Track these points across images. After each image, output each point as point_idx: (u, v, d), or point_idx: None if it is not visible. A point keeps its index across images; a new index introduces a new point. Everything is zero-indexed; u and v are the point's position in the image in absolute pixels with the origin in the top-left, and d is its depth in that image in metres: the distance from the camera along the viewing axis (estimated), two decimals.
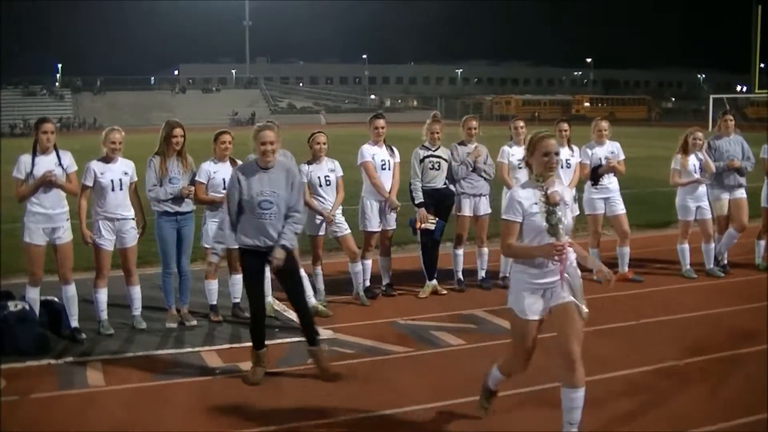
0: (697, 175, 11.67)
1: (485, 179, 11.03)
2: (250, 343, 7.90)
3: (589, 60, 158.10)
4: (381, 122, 10.85)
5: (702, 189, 11.81)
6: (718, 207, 12.22)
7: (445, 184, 10.83)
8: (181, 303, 9.83)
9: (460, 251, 11.13)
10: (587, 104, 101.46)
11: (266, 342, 7.93)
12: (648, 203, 18.38)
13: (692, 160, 11.70)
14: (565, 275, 5.90)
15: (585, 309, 5.93)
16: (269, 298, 9.98)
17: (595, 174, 11.48)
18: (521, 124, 11.50)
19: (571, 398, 5.91)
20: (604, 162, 11.50)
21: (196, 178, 9.68)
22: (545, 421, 6.48)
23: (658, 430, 6.43)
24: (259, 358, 7.83)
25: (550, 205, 5.88)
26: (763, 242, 12.46)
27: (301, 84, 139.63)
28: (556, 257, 5.85)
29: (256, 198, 7.56)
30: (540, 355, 6.28)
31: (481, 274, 11.31)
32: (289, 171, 7.86)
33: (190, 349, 8.72)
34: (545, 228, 5.88)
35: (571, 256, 5.98)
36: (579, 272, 6.06)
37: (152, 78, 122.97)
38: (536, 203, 5.92)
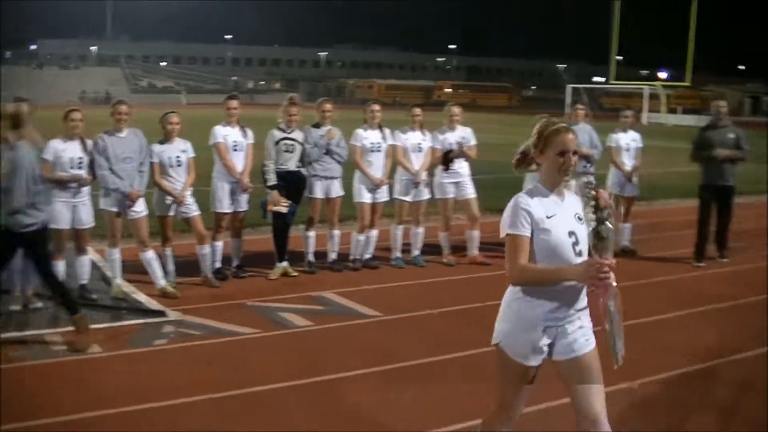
0: None
1: (338, 162, 11.05)
2: (98, 325, 7.81)
3: (453, 46, 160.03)
4: (234, 103, 10.76)
5: None
6: None
7: (298, 167, 10.80)
8: (27, 285, 9.52)
9: (312, 233, 11.13)
10: (449, 90, 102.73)
11: (114, 324, 7.87)
12: (502, 188, 18.62)
13: None
14: (609, 305, 4.35)
15: (621, 352, 4.40)
16: (118, 280, 9.81)
17: (446, 158, 11.63)
18: (377, 107, 11.54)
19: None
20: (455, 147, 11.66)
21: (43, 156, 9.39)
22: None
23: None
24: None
25: (601, 210, 4.34)
26: (628, 225, 12.94)
27: (164, 63, 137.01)
28: (597, 283, 4.31)
29: None
30: None
31: (332, 256, 11.34)
32: None
33: (34, 332, 8.45)
34: (592, 243, 4.34)
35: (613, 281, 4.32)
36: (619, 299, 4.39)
37: (8, 53, 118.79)
38: (551, 215, 4.48)
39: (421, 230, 11.78)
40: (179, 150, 10.17)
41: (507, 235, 4.50)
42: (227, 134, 10.64)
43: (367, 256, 11.50)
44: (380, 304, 9.63)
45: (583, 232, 4.45)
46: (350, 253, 11.42)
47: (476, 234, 11.93)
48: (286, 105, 10.95)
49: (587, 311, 4.61)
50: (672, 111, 77.90)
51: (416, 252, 11.78)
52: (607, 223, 4.30)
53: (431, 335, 8.58)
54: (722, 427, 6.47)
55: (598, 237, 4.28)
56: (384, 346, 8.17)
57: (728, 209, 12.23)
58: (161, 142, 10.18)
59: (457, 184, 11.78)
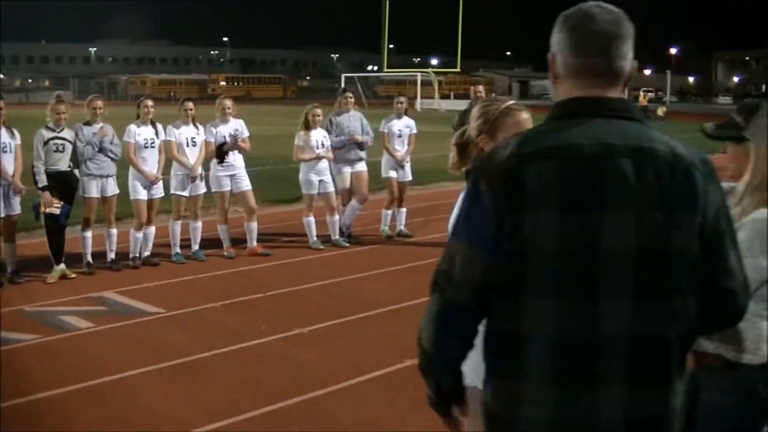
0: (319, 151, 12.18)
1: (112, 159, 10.87)
2: None
3: (225, 39, 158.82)
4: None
5: (324, 163, 12.33)
6: (341, 180, 12.82)
7: (69, 166, 10.56)
8: None
9: (89, 233, 10.90)
10: (223, 83, 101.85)
11: None
12: (281, 179, 18.85)
13: (315, 136, 12.20)
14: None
15: None
16: None
17: (220, 151, 11.66)
18: (150, 103, 11.40)
19: None
20: (228, 140, 11.71)
21: None
22: None
23: (291, 391, 6.70)
24: None
25: None
26: (390, 212, 13.27)
27: None
28: None
29: None
30: None
31: (111, 255, 11.15)
32: None
33: None
34: None
35: None
36: None
37: None
38: None
39: (199, 224, 11.76)
40: None
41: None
42: None
43: (147, 253, 11.38)
44: (162, 301, 9.58)
45: None
46: (129, 251, 11.27)
47: (254, 225, 12.03)
48: (53, 103, 10.68)
49: None
50: (445, 97, 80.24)
51: (196, 246, 11.75)
52: None
53: (215, 329, 8.64)
54: None
55: None
56: (168, 342, 8.17)
57: None
58: None
59: (232, 176, 11.82)
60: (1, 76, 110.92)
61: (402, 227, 13.36)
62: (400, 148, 13.24)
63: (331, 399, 6.69)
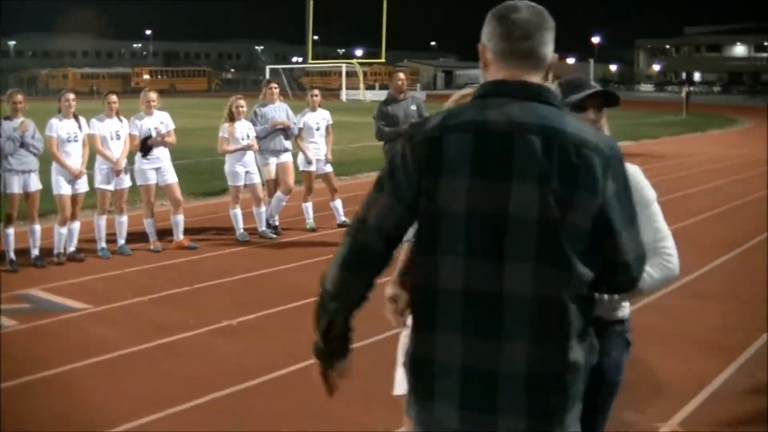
0: (244, 142, 12.15)
1: (34, 154, 10.72)
2: None
3: (148, 32, 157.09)
4: None
5: (250, 155, 12.31)
6: (266, 171, 12.82)
7: None
8: None
9: (11, 230, 10.72)
10: (147, 77, 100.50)
11: None
12: (207, 172, 18.77)
13: (240, 127, 12.17)
14: None
15: None
16: None
17: (145, 145, 11.57)
18: (72, 96, 11.24)
19: None
20: (153, 133, 11.62)
21: None
22: None
23: (220, 384, 6.70)
24: None
25: None
26: (309, 204, 13.25)
27: None
28: None
29: None
30: None
31: (35, 252, 10.99)
32: None
33: None
34: None
35: None
36: None
37: None
38: None
39: (124, 218, 11.65)
40: None
41: None
42: None
43: (71, 248, 11.25)
44: (89, 296, 9.49)
45: None
46: (53, 247, 11.13)
47: (180, 218, 11.96)
48: None
49: None
50: (370, 87, 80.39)
51: (121, 241, 11.64)
52: None
53: (143, 323, 8.59)
54: None
55: None
56: (95, 337, 8.11)
57: None
58: None
59: (157, 169, 11.71)
60: None
61: (343, 218, 13.28)
62: (320, 141, 13.25)
63: (260, 390, 6.71)
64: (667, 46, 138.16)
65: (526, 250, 2.56)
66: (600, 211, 2.57)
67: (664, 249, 3.40)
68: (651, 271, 3.27)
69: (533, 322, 2.58)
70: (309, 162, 13.06)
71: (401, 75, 12.74)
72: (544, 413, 2.63)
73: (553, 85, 3.16)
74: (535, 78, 2.69)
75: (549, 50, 2.72)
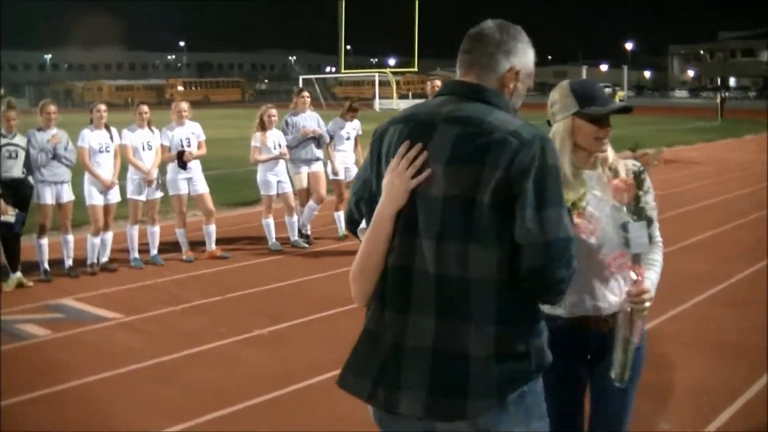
0: (276, 151, 12.16)
1: (66, 165, 10.80)
2: None
3: (182, 44, 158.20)
4: None
5: (282, 164, 12.34)
6: (298, 181, 12.82)
7: (23, 173, 10.47)
8: None
9: (44, 241, 10.80)
10: (181, 88, 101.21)
11: None
12: (240, 182, 18.82)
13: (272, 137, 12.19)
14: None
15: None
16: None
17: (180, 160, 11.57)
18: (103, 107, 11.33)
19: None
20: (184, 143, 11.66)
21: None
22: None
23: (251, 392, 6.69)
24: None
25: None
26: (341, 213, 13.23)
27: None
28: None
29: None
30: None
31: (68, 262, 11.06)
32: None
33: None
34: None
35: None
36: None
37: None
38: None
39: (157, 228, 11.70)
40: None
41: None
42: None
43: (104, 259, 11.30)
44: (120, 306, 9.52)
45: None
46: (86, 258, 11.19)
47: (212, 228, 11.98)
48: (4, 110, 10.65)
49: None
50: (403, 97, 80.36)
51: (154, 251, 11.69)
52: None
53: (174, 332, 8.60)
54: None
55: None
56: (127, 346, 8.12)
57: None
58: None
59: (189, 179, 11.76)
60: None
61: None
62: (348, 149, 13.26)
63: (291, 399, 6.68)
64: (701, 52, 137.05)
65: (432, 228, 2.79)
66: (504, 186, 2.68)
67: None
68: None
69: (438, 299, 2.77)
70: (335, 173, 13.04)
71: (438, 82, 12.75)
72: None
73: (561, 88, 3.56)
74: (485, 82, 2.94)
75: (497, 62, 2.94)
